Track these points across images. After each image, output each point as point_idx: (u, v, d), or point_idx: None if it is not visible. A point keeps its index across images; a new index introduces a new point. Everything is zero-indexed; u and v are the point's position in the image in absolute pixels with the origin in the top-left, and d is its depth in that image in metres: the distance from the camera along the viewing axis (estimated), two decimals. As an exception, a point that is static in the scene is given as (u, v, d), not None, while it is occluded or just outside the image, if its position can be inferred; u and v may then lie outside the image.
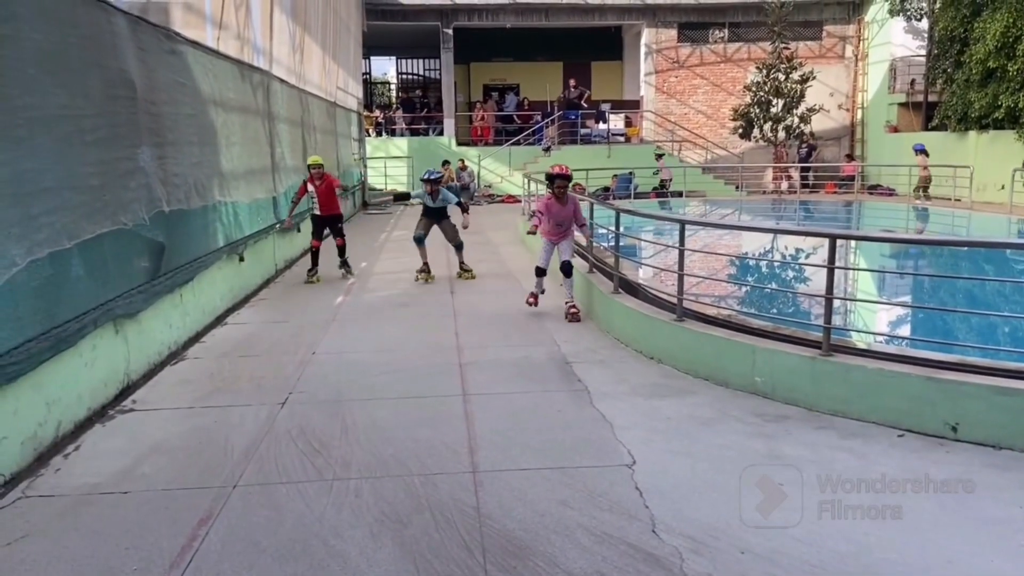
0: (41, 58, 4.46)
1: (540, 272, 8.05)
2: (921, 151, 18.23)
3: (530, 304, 7.94)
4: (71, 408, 4.74)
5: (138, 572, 3.21)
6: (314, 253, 9.91)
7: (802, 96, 21.25)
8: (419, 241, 9.76)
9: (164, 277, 6.22)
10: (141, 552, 3.36)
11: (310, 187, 9.79)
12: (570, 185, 8.00)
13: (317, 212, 9.92)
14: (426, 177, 9.71)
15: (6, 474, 4.02)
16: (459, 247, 10.03)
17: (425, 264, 9.88)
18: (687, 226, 6.47)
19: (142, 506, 3.80)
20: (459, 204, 9.95)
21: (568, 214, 7.85)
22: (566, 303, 7.77)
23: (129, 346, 5.60)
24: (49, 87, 4.55)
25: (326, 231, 10.01)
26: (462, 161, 22.16)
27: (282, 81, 11.31)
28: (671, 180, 20.58)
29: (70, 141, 4.79)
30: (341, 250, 10.23)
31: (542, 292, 8.07)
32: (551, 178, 7.81)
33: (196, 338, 7.03)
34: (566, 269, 7.77)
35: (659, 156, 21.15)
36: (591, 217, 9.50)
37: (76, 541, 3.47)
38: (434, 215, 9.83)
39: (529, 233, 8.48)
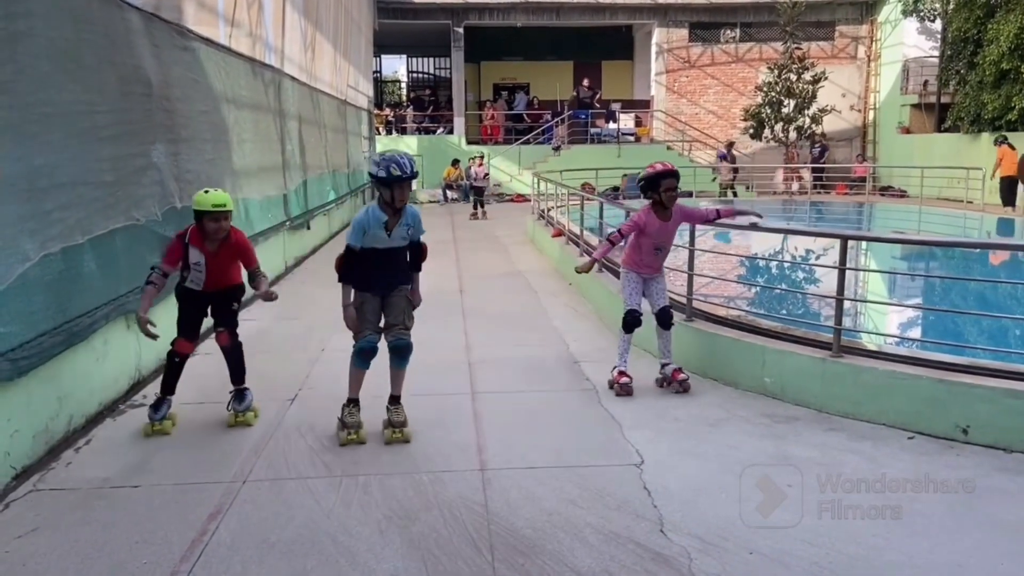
0: (56, 54, 4.49)
1: (634, 320, 5.38)
2: (724, 158, 20.63)
3: (621, 388, 5.32)
4: (82, 402, 4.78)
5: (148, 566, 3.23)
6: (176, 366, 4.82)
7: (814, 96, 21.15)
8: (367, 354, 4.55)
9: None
10: (151, 546, 3.38)
11: (194, 253, 4.66)
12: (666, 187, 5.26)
13: (195, 286, 4.78)
14: (397, 173, 4.24)
15: (18, 467, 4.05)
16: (403, 351, 4.57)
17: (354, 400, 4.65)
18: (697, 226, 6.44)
19: (152, 500, 3.82)
20: (417, 246, 4.62)
21: (672, 232, 5.45)
22: (664, 364, 5.49)
23: (140, 342, 5.61)
24: (63, 83, 4.58)
25: (204, 317, 4.96)
26: (479, 158, 21.89)
27: (293, 79, 11.35)
28: (484, 180, 19.40)
29: (84, 137, 4.82)
30: (231, 358, 4.98)
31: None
32: (654, 179, 5.25)
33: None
34: (665, 319, 5.45)
35: (479, 158, 20.04)
36: (600, 217, 9.52)
37: (87, 534, 3.49)
38: (387, 277, 4.56)
39: (579, 271, 5.75)
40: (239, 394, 4.96)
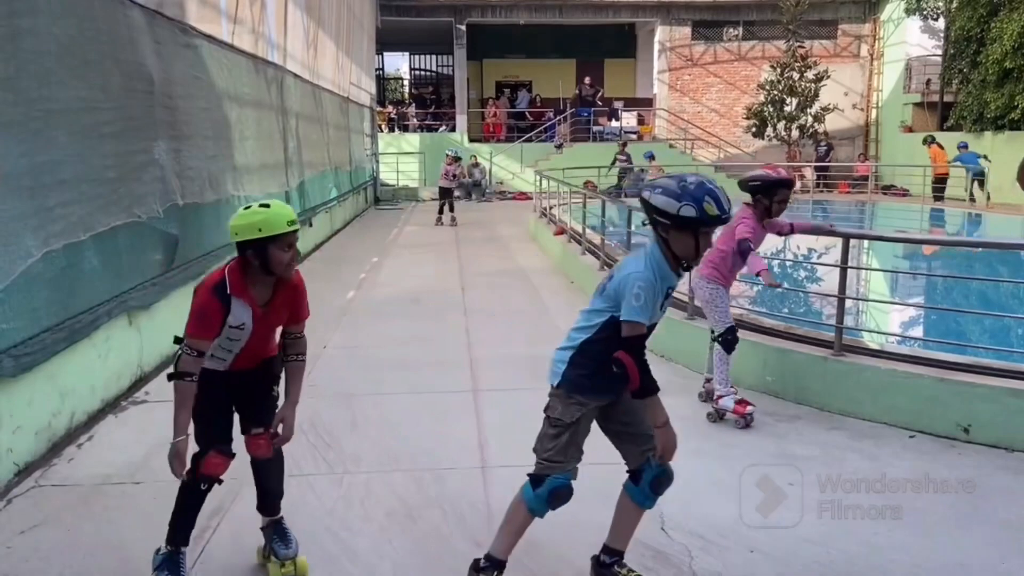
0: (59, 51, 4.50)
1: (735, 339, 4.83)
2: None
3: (747, 420, 4.75)
4: (85, 399, 4.79)
5: (151, 563, 3.23)
6: (200, 497, 2.98)
7: (816, 95, 21.15)
8: (561, 499, 3.04)
9: (177, 269, 6.25)
10: (154, 542, 3.36)
11: (238, 311, 2.80)
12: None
13: (218, 364, 2.93)
14: (715, 213, 2.58)
15: (20, 463, 4.06)
16: (666, 484, 3.01)
17: (501, 566, 2.96)
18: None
19: (154, 496, 3.81)
20: None
21: (761, 240, 4.95)
22: (708, 379, 5.08)
23: (142, 338, 5.64)
24: (66, 80, 4.58)
25: (235, 411, 3.10)
26: (474, 157, 22.15)
27: (296, 76, 11.35)
28: (452, 180, 16.00)
29: (86, 134, 4.82)
30: (270, 474, 3.20)
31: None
32: (772, 186, 4.68)
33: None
34: (730, 341, 4.90)
35: (451, 155, 17.14)
36: (603, 215, 9.52)
37: (89, 530, 3.50)
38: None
39: (771, 285, 4.87)
40: (279, 529, 3.16)
